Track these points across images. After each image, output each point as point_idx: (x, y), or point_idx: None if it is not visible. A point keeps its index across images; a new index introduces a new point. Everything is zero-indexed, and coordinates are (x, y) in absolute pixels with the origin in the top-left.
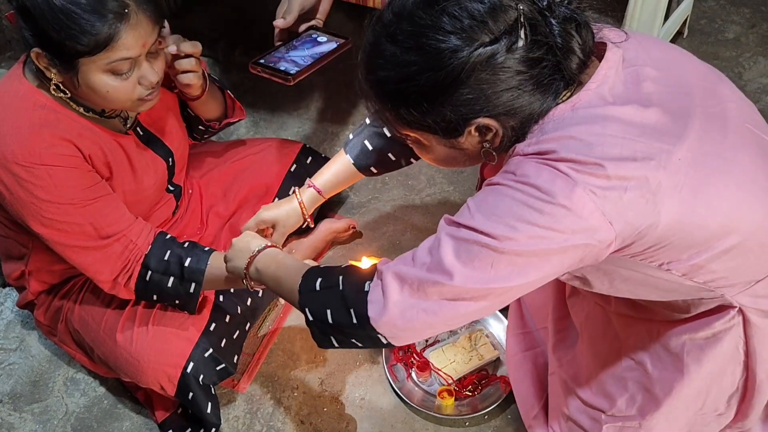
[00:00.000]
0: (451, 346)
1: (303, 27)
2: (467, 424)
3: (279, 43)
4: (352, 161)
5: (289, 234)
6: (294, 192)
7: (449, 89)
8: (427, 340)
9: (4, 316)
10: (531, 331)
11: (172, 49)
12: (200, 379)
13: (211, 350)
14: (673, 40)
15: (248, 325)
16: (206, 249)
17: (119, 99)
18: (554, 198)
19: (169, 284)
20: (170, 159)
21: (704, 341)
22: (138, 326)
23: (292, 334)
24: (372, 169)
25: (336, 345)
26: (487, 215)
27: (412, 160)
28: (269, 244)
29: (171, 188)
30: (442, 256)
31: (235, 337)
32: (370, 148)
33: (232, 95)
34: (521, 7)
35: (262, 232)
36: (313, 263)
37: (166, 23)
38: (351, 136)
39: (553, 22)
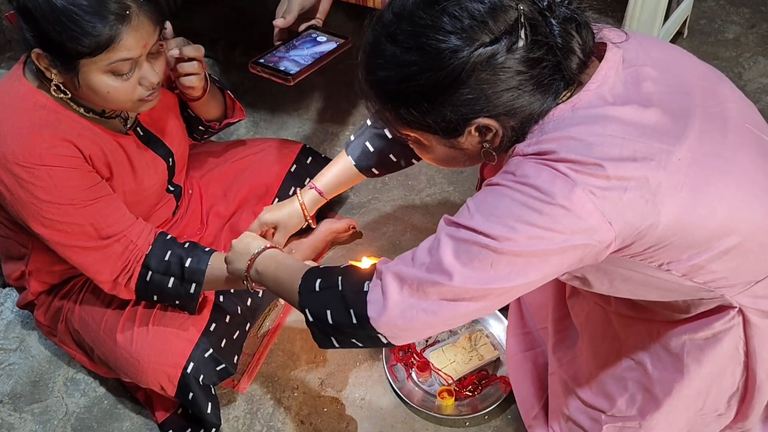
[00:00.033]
0: (451, 346)
1: (303, 27)
2: (467, 424)
3: (279, 43)
4: (354, 162)
5: (291, 234)
6: (295, 193)
7: (449, 89)
8: (427, 340)
9: (4, 316)
10: (531, 332)
11: (175, 52)
12: (200, 379)
13: (211, 350)
14: (673, 41)
15: (248, 325)
16: (207, 249)
17: (120, 99)
18: (553, 198)
19: (170, 285)
20: (170, 159)
21: (704, 341)
22: (138, 326)
23: (292, 334)
24: (373, 170)
25: (336, 345)
26: (487, 216)
27: (413, 161)
28: (268, 245)
29: (171, 188)
30: (442, 256)
31: (235, 337)
32: (372, 149)
33: (232, 96)
34: (521, 8)
35: (264, 234)
36: (313, 264)
37: (168, 24)
38: (352, 138)
39: (554, 22)
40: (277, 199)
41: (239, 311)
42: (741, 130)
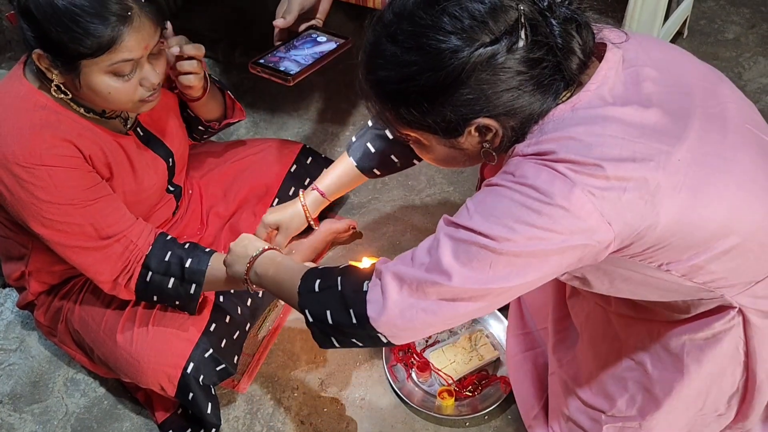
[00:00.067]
0: (451, 346)
1: (303, 27)
2: (467, 424)
3: (279, 43)
4: (356, 164)
5: (293, 236)
6: (297, 194)
7: (449, 89)
8: (427, 341)
9: (4, 316)
10: (531, 332)
11: (176, 50)
12: (200, 379)
13: (211, 351)
14: (673, 41)
15: (248, 325)
16: (207, 250)
17: (121, 100)
18: (552, 199)
19: (170, 285)
20: (170, 159)
21: (704, 342)
22: (138, 327)
23: (292, 335)
24: (375, 171)
25: (337, 345)
26: (486, 216)
27: (414, 161)
28: (266, 247)
29: (171, 189)
30: (441, 256)
31: (235, 337)
32: (373, 150)
33: (232, 96)
34: (522, 8)
35: (267, 235)
36: (313, 264)
37: (169, 24)
38: (354, 139)
39: (554, 22)
40: (277, 200)
41: (239, 311)
42: (741, 130)
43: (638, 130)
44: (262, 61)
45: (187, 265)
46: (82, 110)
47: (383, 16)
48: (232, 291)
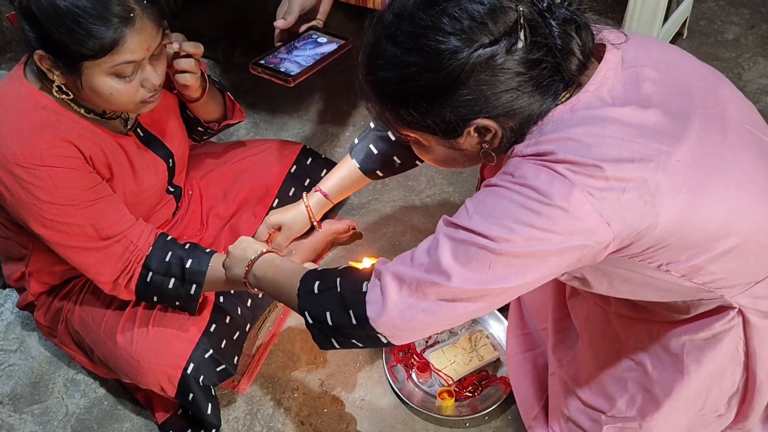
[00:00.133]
0: (452, 346)
1: (303, 28)
2: (467, 425)
3: (279, 44)
4: (358, 166)
5: (295, 237)
6: (297, 195)
7: (449, 90)
8: (427, 341)
9: (4, 317)
10: (531, 332)
11: (175, 46)
12: (200, 380)
13: (211, 351)
14: (672, 41)
15: (248, 326)
16: (207, 251)
17: (122, 101)
18: (551, 200)
19: (170, 285)
20: (170, 160)
21: (704, 342)
22: (138, 327)
23: (292, 335)
24: (378, 172)
25: (337, 346)
26: (485, 217)
27: (417, 162)
28: (265, 249)
29: (171, 189)
30: (440, 257)
31: (235, 338)
32: (375, 152)
33: (232, 97)
34: (521, 9)
35: (269, 236)
36: (313, 265)
37: (164, 23)
38: (356, 141)
39: (553, 23)
40: (277, 200)
41: (239, 312)
42: (741, 130)
43: (637, 130)
44: (262, 61)
45: (187, 265)
46: (82, 111)
47: (383, 16)
48: (232, 291)
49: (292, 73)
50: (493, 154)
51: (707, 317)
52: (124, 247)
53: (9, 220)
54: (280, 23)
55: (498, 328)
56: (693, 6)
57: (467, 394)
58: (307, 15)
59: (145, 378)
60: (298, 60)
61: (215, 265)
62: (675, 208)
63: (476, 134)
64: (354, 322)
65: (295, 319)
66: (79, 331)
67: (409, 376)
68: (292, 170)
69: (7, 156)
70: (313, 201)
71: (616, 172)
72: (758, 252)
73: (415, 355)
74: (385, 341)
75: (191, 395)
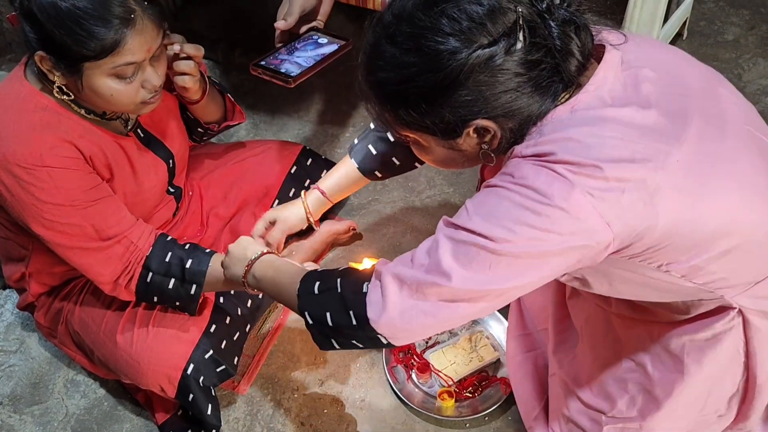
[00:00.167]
0: (452, 347)
1: (304, 29)
2: (467, 425)
3: (280, 45)
4: (357, 166)
5: (292, 235)
6: (299, 196)
7: (448, 91)
8: (427, 342)
9: (4, 318)
10: (531, 333)
11: (176, 48)
12: (200, 380)
13: (211, 352)
14: (672, 42)
15: (248, 326)
16: (207, 251)
17: (123, 102)
18: (552, 200)
19: (170, 286)
20: (171, 161)
21: (704, 342)
22: (138, 328)
23: (292, 336)
24: (377, 173)
25: (336, 347)
26: (485, 217)
27: (416, 164)
28: (265, 250)
29: (171, 190)
30: (441, 257)
31: (235, 338)
32: (375, 152)
33: (232, 98)
34: (520, 10)
35: (265, 231)
36: (314, 265)
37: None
38: (356, 141)
39: (552, 24)
40: (277, 201)
41: (239, 313)
42: (740, 131)
43: (637, 131)
44: (263, 62)
45: (187, 265)
46: (83, 111)
47: (383, 17)
48: (232, 292)
49: (292, 74)
50: (492, 154)
51: (707, 318)
52: (124, 248)
53: (9, 220)
54: (280, 24)
55: (498, 329)
56: (693, 7)
57: (467, 394)
58: (307, 16)
59: (145, 378)
60: (298, 61)
61: (215, 266)
62: (675, 208)
63: (475, 135)
64: (354, 322)
65: (295, 320)
66: (79, 332)
67: (410, 376)
68: (292, 171)
69: (8, 156)
70: (311, 199)
71: (616, 172)
72: (758, 252)
73: (415, 356)
74: (385, 342)
75: (191, 396)
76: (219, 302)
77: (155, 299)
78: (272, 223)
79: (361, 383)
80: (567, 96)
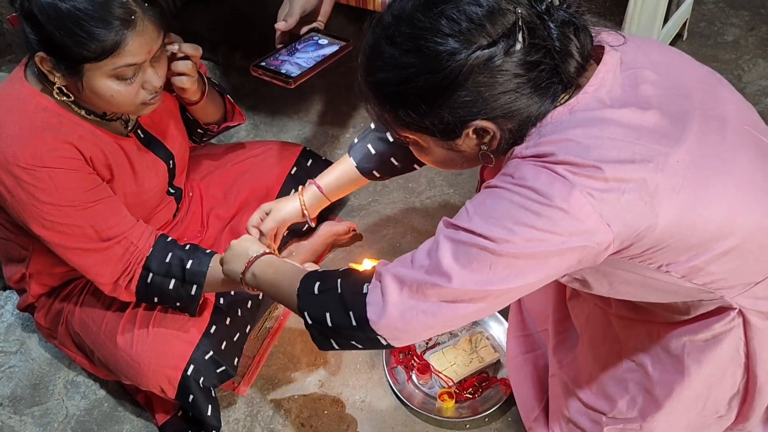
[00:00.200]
0: (452, 348)
1: (304, 29)
2: (468, 426)
3: (280, 46)
4: (355, 164)
5: (289, 234)
6: (298, 189)
7: (447, 91)
8: (427, 343)
9: (4, 318)
10: (531, 334)
11: (174, 47)
12: (200, 381)
13: (211, 353)
14: (672, 43)
15: (249, 327)
16: (208, 251)
17: (123, 103)
18: (552, 201)
19: (171, 286)
20: (171, 161)
21: (704, 343)
22: (138, 329)
23: (292, 337)
24: (374, 173)
25: (336, 347)
26: (485, 218)
27: (415, 166)
28: (267, 251)
29: (171, 191)
30: (441, 258)
31: (235, 339)
32: (373, 152)
33: (232, 100)
34: (519, 11)
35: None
36: (314, 266)
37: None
38: (355, 140)
39: (552, 25)
40: None
41: (240, 313)
42: (740, 132)
43: (637, 131)
44: (263, 63)
45: (188, 266)
46: (83, 112)
47: (382, 18)
48: (232, 293)
49: (292, 75)
50: (491, 155)
51: (707, 318)
52: (124, 249)
53: (9, 221)
54: (281, 25)
55: (498, 330)
56: (693, 8)
57: (467, 395)
58: (308, 17)
59: (145, 379)
60: (299, 62)
61: (216, 266)
62: (674, 208)
63: (475, 136)
64: (354, 323)
65: (295, 321)
66: (80, 333)
67: (410, 377)
68: (293, 172)
69: (8, 157)
70: (308, 193)
71: (616, 173)
72: (758, 253)
73: (415, 357)
74: (384, 343)
75: (191, 397)
76: (219, 303)
77: (155, 300)
78: (267, 214)
79: (361, 384)
80: (566, 97)
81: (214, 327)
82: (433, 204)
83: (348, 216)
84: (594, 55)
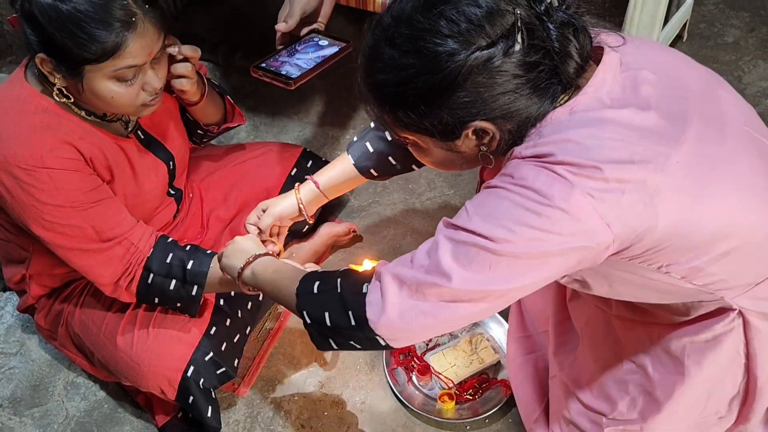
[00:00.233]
0: (452, 349)
1: (304, 31)
2: (468, 427)
3: (280, 47)
4: (353, 162)
5: (290, 235)
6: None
7: (446, 92)
8: (427, 344)
9: (4, 320)
10: (532, 335)
11: (174, 50)
12: (200, 382)
13: (211, 354)
14: (672, 44)
15: (249, 328)
16: (208, 252)
17: (123, 104)
18: (552, 201)
19: (171, 287)
20: (171, 162)
21: (705, 344)
22: (138, 330)
23: (292, 338)
24: (372, 171)
25: (335, 347)
26: (485, 218)
27: (414, 166)
28: (268, 252)
29: (172, 192)
30: (441, 258)
31: (235, 340)
32: (371, 150)
33: (232, 101)
34: (518, 12)
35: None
36: (315, 267)
37: None
38: (355, 139)
39: (551, 26)
40: None
41: (240, 315)
42: (740, 133)
43: (636, 132)
44: (263, 65)
45: (188, 266)
46: (83, 113)
47: (382, 19)
48: (232, 294)
49: (293, 76)
50: (491, 156)
51: (708, 319)
52: (125, 249)
53: (9, 222)
54: (281, 26)
55: (498, 331)
56: (693, 9)
57: (468, 397)
58: (308, 18)
59: (146, 381)
60: (299, 63)
61: (216, 267)
62: (674, 209)
63: (474, 136)
64: (353, 323)
65: (295, 322)
66: (80, 334)
67: (410, 379)
68: (293, 173)
69: (8, 158)
70: (305, 189)
71: (616, 173)
72: (758, 253)
73: (415, 358)
74: (383, 344)
75: (191, 398)
76: (219, 304)
77: (156, 300)
78: (264, 212)
79: (361, 385)
80: (566, 98)
81: (214, 328)
82: (433, 205)
83: (348, 217)
84: (593, 56)
